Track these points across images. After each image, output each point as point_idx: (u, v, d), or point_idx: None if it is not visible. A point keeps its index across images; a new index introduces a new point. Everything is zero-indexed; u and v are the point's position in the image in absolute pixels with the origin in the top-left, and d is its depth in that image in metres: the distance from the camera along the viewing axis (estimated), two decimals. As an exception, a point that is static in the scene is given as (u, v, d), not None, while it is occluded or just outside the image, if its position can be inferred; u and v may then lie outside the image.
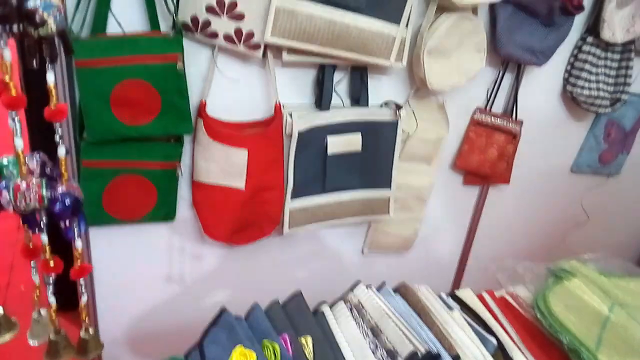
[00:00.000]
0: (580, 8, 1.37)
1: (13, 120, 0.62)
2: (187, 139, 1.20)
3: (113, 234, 1.24)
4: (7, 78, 0.59)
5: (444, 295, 1.08)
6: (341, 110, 1.31)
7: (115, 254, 1.28)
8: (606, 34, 1.46)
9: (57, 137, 0.67)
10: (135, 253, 1.30)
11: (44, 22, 0.57)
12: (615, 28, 1.47)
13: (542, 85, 1.59)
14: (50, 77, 0.63)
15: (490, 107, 1.54)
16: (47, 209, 0.66)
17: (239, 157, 1.21)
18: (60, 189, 0.66)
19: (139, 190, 1.17)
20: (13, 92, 0.59)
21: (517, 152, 1.60)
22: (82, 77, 1.00)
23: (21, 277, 2.01)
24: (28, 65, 0.59)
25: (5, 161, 0.66)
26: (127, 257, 1.30)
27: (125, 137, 1.09)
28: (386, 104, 1.37)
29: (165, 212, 1.23)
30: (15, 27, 0.55)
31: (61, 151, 0.68)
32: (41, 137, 0.73)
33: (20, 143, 0.63)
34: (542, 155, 1.73)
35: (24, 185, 0.64)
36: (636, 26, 1.48)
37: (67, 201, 0.65)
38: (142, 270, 1.34)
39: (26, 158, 0.66)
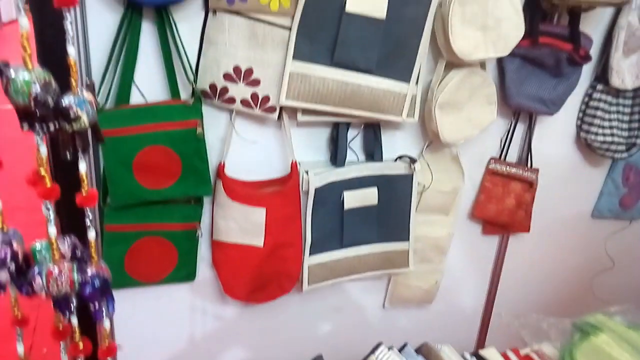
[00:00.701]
0: (587, 58, 1.40)
1: (47, 209, 0.66)
2: (206, 200, 1.23)
3: (134, 296, 1.26)
4: (42, 171, 0.63)
5: (467, 356, 1.06)
6: (356, 166, 1.33)
7: (136, 315, 1.29)
8: (615, 81, 1.48)
9: (87, 221, 0.71)
10: (156, 314, 1.31)
11: (77, 118, 0.61)
12: (625, 75, 1.48)
13: (555, 133, 1.60)
14: (82, 167, 0.67)
15: (505, 157, 1.55)
16: (78, 292, 0.69)
17: (258, 215, 1.23)
18: (90, 271, 0.68)
19: (161, 252, 1.19)
20: (48, 184, 0.63)
21: (535, 199, 1.59)
22: (107, 146, 1.04)
23: (44, 340, 2.02)
24: (62, 157, 0.63)
25: (38, 246, 0.69)
26: (148, 318, 1.31)
27: (148, 201, 1.12)
28: (400, 158, 1.39)
29: (186, 272, 1.25)
30: (52, 126, 0.60)
31: (91, 234, 0.71)
32: (70, 219, 0.76)
33: (53, 230, 0.67)
34: (561, 202, 1.72)
35: (56, 270, 0.66)
36: (645, 72, 1.50)
37: (97, 283, 0.67)
38: (164, 331, 1.34)
39: (58, 242, 0.69)
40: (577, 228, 1.81)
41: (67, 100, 0.61)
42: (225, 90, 1.13)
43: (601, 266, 1.93)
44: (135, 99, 1.09)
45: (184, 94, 1.12)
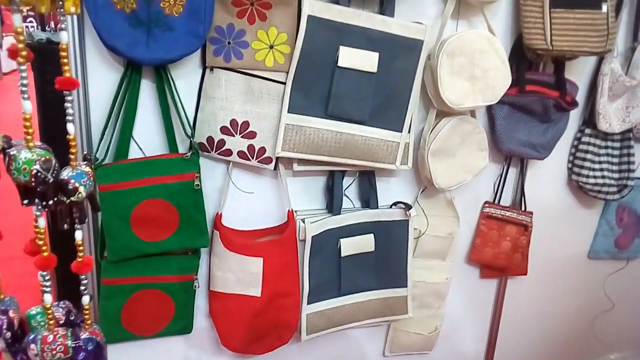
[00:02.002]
0: (574, 104, 1.44)
1: (43, 278, 0.67)
2: (203, 250, 1.23)
3: (130, 349, 1.24)
4: (40, 242, 0.64)
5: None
6: (352, 213, 1.34)
7: (132, 370, 1.27)
8: (603, 125, 1.52)
9: (82, 287, 0.72)
10: (153, 368, 1.29)
11: (76, 191, 0.63)
12: (611, 119, 1.53)
13: (547, 176, 1.62)
14: (78, 236, 0.69)
15: (499, 200, 1.57)
16: (72, 357, 0.69)
17: (255, 265, 1.23)
18: (84, 335, 0.69)
19: (157, 305, 1.19)
20: (45, 254, 0.64)
21: (530, 242, 1.60)
22: (105, 200, 1.05)
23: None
24: (59, 228, 0.65)
25: (34, 311, 0.70)
26: (144, 372, 1.28)
27: (145, 254, 1.12)
28: (396, 204, 1.40)
29: (182, 325, 1.24)
30: (51, 201, 0.62)
31: (85, 299, 0.72)
32: (65, 280, 0.77)
33: (48, 298, 0.68)
34: (557, 244, 1.73)
35: (50, 337, 0.67)
36: (631, 116, 1.54)
37: (90, 347, 0.68)
38: (160, 385, 1.31)
39: (53, 308, 0.70)
40: (575, 270, 1.81)
41: (66, 173, 0.63)
42: (222, 142, 1.15)
43: (601, 308, 1.92)
44: (133, 153, 1.12)
45: (182, 147, 1.15)
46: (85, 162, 0.69)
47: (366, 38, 1.16)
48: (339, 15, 1.12)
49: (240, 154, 1.17)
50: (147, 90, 1.10)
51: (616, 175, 1.62)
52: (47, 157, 0.61)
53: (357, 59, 1.16)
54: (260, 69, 1.13)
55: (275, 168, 1.22)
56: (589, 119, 1.57)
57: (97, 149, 1.06)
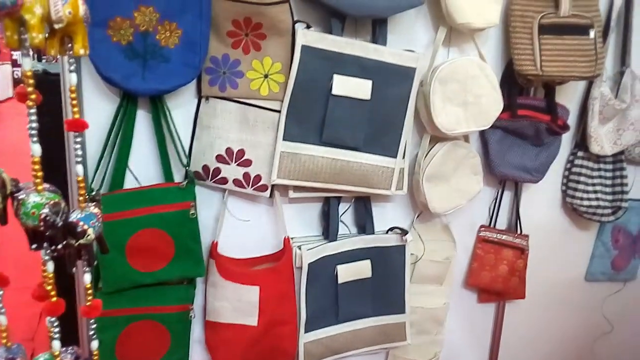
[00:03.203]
0: (565, 128, 1.46)
1: (52, 324, 0.67)
2: (199, 280, 1.22)
3: (125, 382, 1.21)
4: (49, 287, 0.64)
5: None
6: (349, 239, 1.34)
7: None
8: (595, 148, 1.53)
9: (91, 331, 0.71)
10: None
11: (84, 233, 0.63)
12: (603, 142, 1.54)
13: (542, 199, 1.63)
14: (87, 279, 0.68)
15: (494, 224, 1.57)
16: None
17: (251, 294, 1.22)
18: None
19: (153, 336, 1.17)
20: (54, 300, 0.64)
21: (527, 265, 1.60)
22: (100, 231, 1.05)
23: None
24: (68, 271, 0.64)
25: (42, 359, 0.69)
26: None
27: (140, 284, 1.11)
28: (392, 229, 1.40)
29: (178, 356, 1.21)
30: (60, 246, 0.62)
31: (94, 344, 0.72)
32: (66, 321, 0.77)
33: (57, 345, 0.67)
34: (554, 266, 1.73)
35: None
36: (622, 138, 1.56)
37: None
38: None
39: (62, 355, 0.69)
40: (572, 292, 1.80)
41: (74, 216, 0.63)
42: (217, 171, 1.16)
43: (600, 330, 1.91)
44: (129, 183, 1.12)
45: (178, 176, 1.15)
46: (94, 203, 0.69)
47: (359, 66, 1.17)
48: (332, 44, 1.14)
49: (236, 182, 1.17)
50: (142, 120, 1.11)
51: (610, 197, 1.63)
52: (57, 200, 0.61)
53: (351, 87, 1.17)
54: (256, 97, 1.14)
55: (271, 195, 1.22)
56: (581, 142, 1.58)
57: (93, 180, 1.06)
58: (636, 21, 1.52)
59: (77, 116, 0.66)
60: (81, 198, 0.68)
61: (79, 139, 0.69)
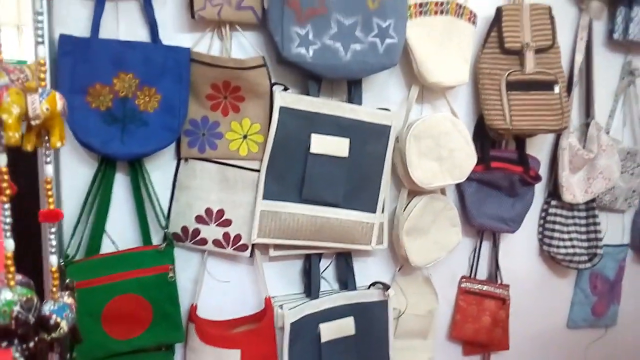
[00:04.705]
0: (537, 178, 1.50)
1: None
2: (178, 345, 1.19)
3: None
4: None
5: None
6: (330, 296, 1.33)
7: None
8: (567, 197, 1.57)
9: None
10: None
11: (57, 327, 0.61)
12: (575, 190, 1.59)
13: (520, 248, 1.65)
14: None
15: (475, 274, 1.58)
16: None
17: (232, 358, 1.18)
18: None
19: (129, 407, 1.12)
20: None
21: (510, 315, 1.60)
22: (76, 299, 1.02)
23: None
24: None
25: None
26: None
27: (117, 353, 1.07)
28: (374, 284, 1.39)
29: None
30: (31, 342, 0.60)
31: None
32: None
33: None
34: (536, 315, 1.73)
35: None
36: (593, 187, 1.61)
37: None
38: None
39: None
40: (556, 340, 1.80)
41: (47, 308, 0.61)
42: (197, 232, 1.15)
43: (586, 378, 1.89)
44: (106, 247, 1.10)
45: (156, 238, 1.13)
46: (67, 292, 0.68)
47: (336, 125, 1.20)
48: (309, 105, 1.17)
49: (216, 243, 1.16)
50: (120, 183, 1.11)
51: (585, 244, 1.66)
52: (29, 296, 0.60)
53: (329, 145, 1.19)
54: (235, 158, 1.15)
55: (251, 255, 1.21)
56: (554, 191, 1.62)
57: (69, 245, 1.04)
58: (597, 76, 1.61)
59: (52, 207, 0.66)
60: (54, 289, 0.67)
61: (53, 229, 0.68)
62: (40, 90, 0.59)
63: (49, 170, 0.67)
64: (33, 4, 0.69)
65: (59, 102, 0.62)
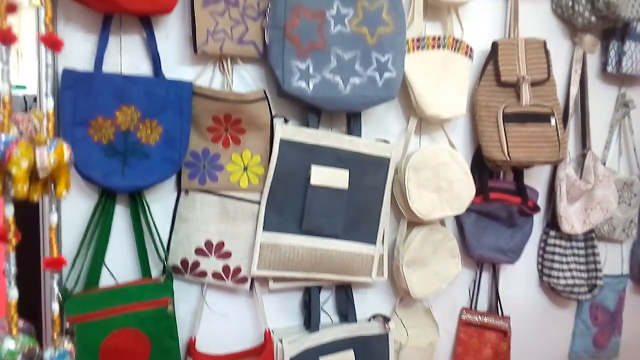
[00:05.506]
0: (535, 209, 1.50)
1: None
2: (176, 380, 1.16)
3: None
4: None
5: None
6: (331, 329, 1.31)
7: None
8: (566, 227, 1.58)
9: None
10: None
11: None
12: (573, 221, 1.59)
13: (520, 279, 1.64)
14: None
15: (475, 306, 1.57)
16: None
17: (231, 394, 1.16)
18: None
19: None
20: None
21: (511, 347, 1.58)
22: (74, 334, 1.00)
23: None
24: None
25: None
26: None
27: (113, 389, 1.05)
28: (374, 317, 1.38)
29: None
30: None
31: None
32: None
33: None
34: (537, 347, 1.71)
35: None
36: (591, 217, 1.61)
37: None
38: None
39: None
40: (558, 373, 1.78)
41: (48, 355, 0.61)
42: (196, 264, 1.14)
43: (590, 412, 1.86)
44: (105, 280, 1.09)
45: (155, 271, 1.13)
46: (67, 337, 0.67)
47: (336, 157, 1.21)
48: (309, 137, 1.18)
49: (216, 275, 1.15)
50: (120, 215, 1.10)
51: (585, 275, 1.66)
52: (31, 345, 0.59)
53: (329, 177, 1.20)
54: (235, 189, 1.16)
55: (251, 288, 1.20)
56: (552, 222, 1.63)
57: (67, 279, 1.03)
58: (592, 107, 1.63)
59: (55, 255, 0.65)
60: (56, 335, 0.65)
61: (56, 276, 0.68)
62: (48, 142, 0.60)
63: (53, 219, 0.67)
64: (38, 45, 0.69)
65: (66, 152, 0.62)
